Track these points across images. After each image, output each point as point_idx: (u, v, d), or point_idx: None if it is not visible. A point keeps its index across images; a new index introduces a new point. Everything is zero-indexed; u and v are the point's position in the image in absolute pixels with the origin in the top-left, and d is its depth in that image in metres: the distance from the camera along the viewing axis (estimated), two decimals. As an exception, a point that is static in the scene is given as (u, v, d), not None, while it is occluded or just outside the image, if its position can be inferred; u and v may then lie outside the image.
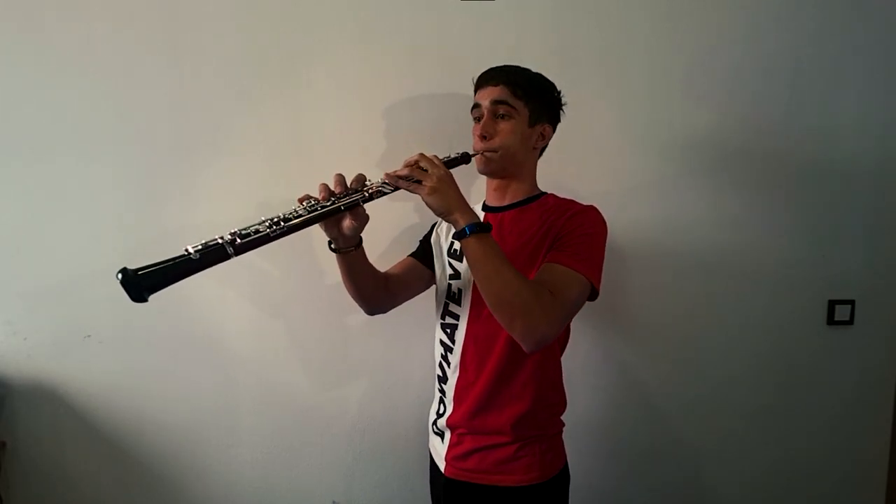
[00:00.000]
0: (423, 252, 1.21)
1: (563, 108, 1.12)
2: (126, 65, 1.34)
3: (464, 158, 1.03)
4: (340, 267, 1.07)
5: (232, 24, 1.35)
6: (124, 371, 1.40)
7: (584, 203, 1.05)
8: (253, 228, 0.84)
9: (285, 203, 1.36)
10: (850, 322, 1.49)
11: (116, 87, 1.35)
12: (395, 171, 0.92)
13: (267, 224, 0.85)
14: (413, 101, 1.38)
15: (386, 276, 1.17)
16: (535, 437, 1.03)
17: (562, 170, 1.38)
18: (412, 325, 1.32)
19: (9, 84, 1.33)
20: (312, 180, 1.36)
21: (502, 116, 1.03)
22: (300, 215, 0.88)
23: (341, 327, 1.41)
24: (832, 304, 1.48)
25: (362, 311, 1.17)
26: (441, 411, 1.12)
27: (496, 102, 1.03)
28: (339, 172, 0.97)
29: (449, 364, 1.10)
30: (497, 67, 1.06)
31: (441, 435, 1.11)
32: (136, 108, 1.35)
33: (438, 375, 1.15)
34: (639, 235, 1.43)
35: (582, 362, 1.43)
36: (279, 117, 1.37)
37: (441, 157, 1.00)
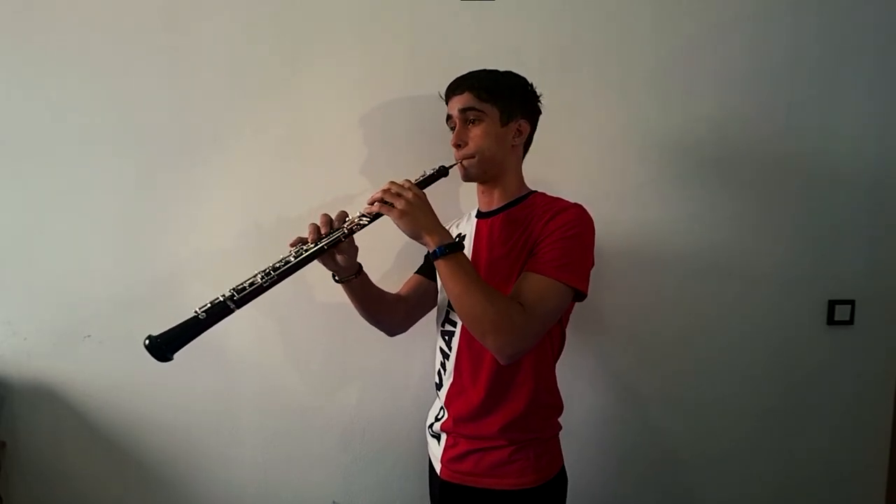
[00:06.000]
0: (429, 266, 1.22)
1: (541, 100, 1.10)
2: (126, 65, 1.34)
3: (441, 172, 1.04)
4: (348, 296, 1.10)
5: (232, 25, 1.35)
6: (124, 371, 1.40)
7: (573, 202, 1.04)
8: (248, 282, 0.94)
9: (283, 204, 1.38)
10: (850, 322, 1.49)
11: (116, 86, 1.35)
12: (372, 196, 0.95)
13: (260, 276, 0.94)
14: (413, 100, 1.38)
15: (397, 298, 1.19)
16: (529, 440, 1.03)
17: (561, 170, 1.38)
18: (412, 327, 1.31)
19: (9, 84, 1.33)
20: (312, 180, 1.39)
21: (473, 122, 1.04)
22: (288, 262, 0.96)
23: (341, 329, 1.40)
24: (832, 304, 1.48)
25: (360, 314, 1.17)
26: (440, 416, 1.12)
27: (464, 110, 1.04)
28: (324, 213, 1.01)
29: (445, 370, 1.11)
30: (461, 76, 1.07)
31: (437, 437, 1.12)
32: (137, 107, 1.35)
33: (436, 383, 1.15)
34: (637, 236, 1.43)
35: (579, 365, 1.43)
36: (279, 117, 1.38)
37: (420, 174, 1.02)
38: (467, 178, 1.08)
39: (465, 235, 1.13)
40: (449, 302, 1.10)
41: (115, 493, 1.43)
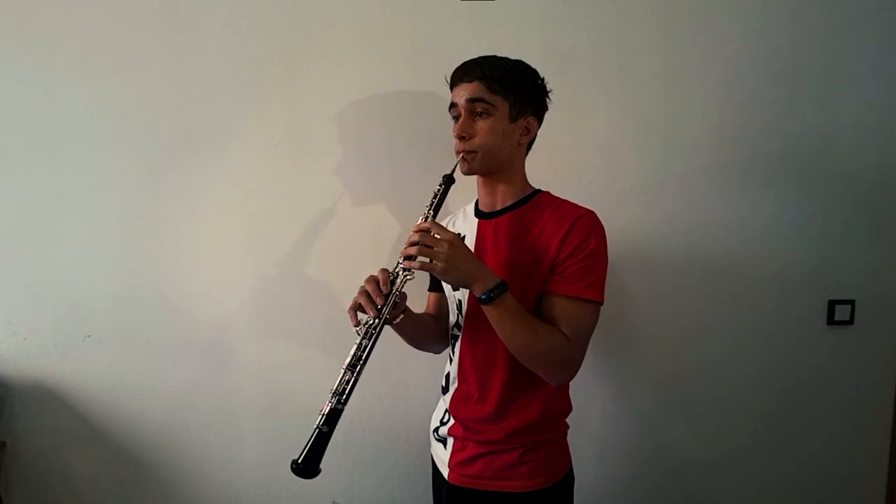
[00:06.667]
0: (436, 280, 1.21)
1: (549, 95, 1.05)
2: (126, 65, 1.34)
3: (448, 183, 1.00)
4: (398, 334, 1.11)
5: (232, 24, 1.35)
6: (124, 371, 1.40)
7: (583, 205, 1.01)
8: (344, 381, 0.97)
9: (284, 203, 1.38)
10: (850, 322, 1.49)
11: (117, 86, 1.35)
12: (405, 251, 0.91)
13: (350, 373, 0.97)
14: (413, 100, 1.38)
15: (429, 318, 1.20)
16: (539, 442, 1.02)
17: (560, 171, 1.39)
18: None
19: (9, 85, 1.33)
20: (312, 179, 1.39)
21: (480, 114, 0.98)
22: (365, 347, 0.98)
23: (341, 328, 1.39)
24: (832, 304, 1.48)
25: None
26: (445, 420, 1.10)
27: (472, 100, 0.97)
28: (371, 276, 0.99)
29: (451, 375, 1.10)
30: (471, 61, 1.00)
31: (443, 441, 1.10)
32: (137, 108, 1.35)
33: (442, 386, 1.14)
34: (638, 236, 1.43)
35: (585, 365, 1.42)
36: (279, 117, 1.38)
37: (431, 195, 0.99)
38: (468, 171, 1.02)
39: (464, 236, 1.09)
40: (458, 305, 1.09)
41: (116, 494, 1.43)
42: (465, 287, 0.92)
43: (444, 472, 1.08)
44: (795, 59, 1.43)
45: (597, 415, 1.47)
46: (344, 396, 0.96)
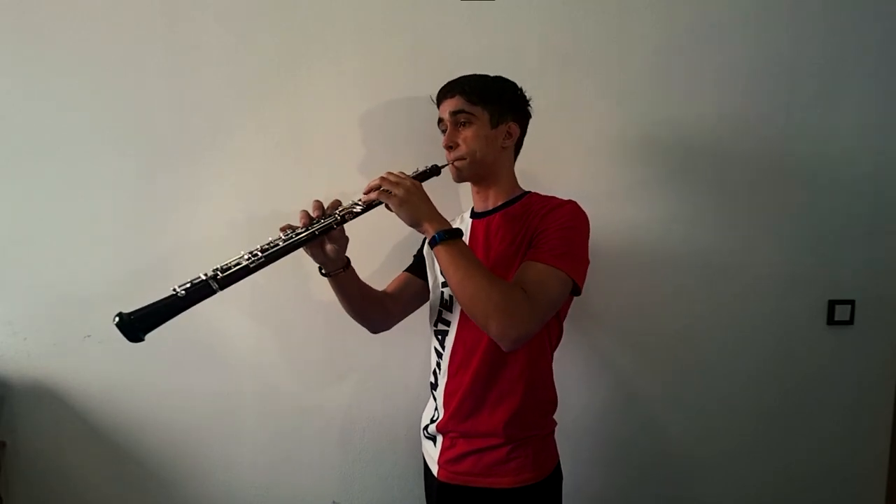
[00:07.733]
0: (418, 265, 1.23)
1: (530, 103, 1.12)
2: (126, 65, 1.34)
3: (433, 171, 1.06)
4: (334, 290, 1.10)
5: (232, 25, 1.35)
6: (124, 371, 1.40)
7: (567, 199, 1.05)
8: (234, 262, 0.89)
9: (284, 204, 1.38)
10: (850, 322, 1.49)
11: (116, 87, 1.35)
12: (369, 184, 0.96)
13: (247, 257, 0.90)
14: (413, 100, 1.38)
15: (384, 294, 1.19)
16: (527, 437, 1.03)
17: (561, 169, 1.39)
18: (410, 327, 1.31)
19: (9, 85, 1.33)
20: (312, 180, 1.39)
21: (463, 124, 1.06)
22: (277, 245, 0.93)
23: (341, 327, 1.39)
24: (832, 304, 1.48)
25: None
26: (434, 417, 1.12)
27: (455, 113, 1.06)
28: (316, 199, 1.01)
29: (440, 370, 1.11)
30: (451, 81, 1.09)
31: (433, 439, 1.12)
32: (137, 108, 1.35)
33: (431, 383, 1.15)
34: (637, 236, 1.43)
35: (577, 362, 1.43)
36: (279, 117, 1.38)
37: (412, 171, 1.03)
38: (459, 178, 1.10)
39: None
40: (441, 301, 1.11)
41: (115, 493, 1.43)
42: (418, 226, 0.94)
43: (434, 469, 1.09)
44: (795, 59, 1.43)
45: (596, 414, 1.47)
46: (223, 275, 0.86)
